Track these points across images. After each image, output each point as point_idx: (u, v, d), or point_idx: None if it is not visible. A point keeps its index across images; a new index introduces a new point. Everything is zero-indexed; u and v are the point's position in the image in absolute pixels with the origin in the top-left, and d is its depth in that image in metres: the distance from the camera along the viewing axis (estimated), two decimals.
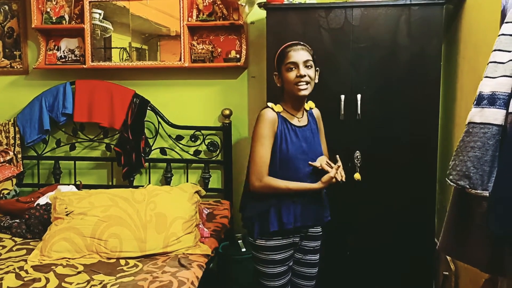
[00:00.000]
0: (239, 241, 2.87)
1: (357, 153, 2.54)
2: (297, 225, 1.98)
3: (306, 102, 2.10)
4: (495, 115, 1.33)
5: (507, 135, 1.30)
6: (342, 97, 2.53)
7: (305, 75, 1.93)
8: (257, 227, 1.99)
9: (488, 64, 1.40)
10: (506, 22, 1.39)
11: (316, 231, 2.12)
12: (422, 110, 2.52)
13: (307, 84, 1.94)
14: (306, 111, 2.11)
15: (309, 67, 1.96)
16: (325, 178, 1.95)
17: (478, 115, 1.37)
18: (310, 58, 1.97)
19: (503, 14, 1.69)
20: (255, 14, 3.00)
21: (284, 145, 1.96)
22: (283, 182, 1.94)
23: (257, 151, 1.95)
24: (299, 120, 2.04)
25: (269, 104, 2.02)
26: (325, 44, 2.55)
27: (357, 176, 2.52)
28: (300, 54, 1.95)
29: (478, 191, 1.35)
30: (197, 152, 3.23)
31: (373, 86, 2.54)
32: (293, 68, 1.94)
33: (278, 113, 2.00)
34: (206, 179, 3.20)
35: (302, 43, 2.00)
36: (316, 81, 2.02)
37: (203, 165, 3.23)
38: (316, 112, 2.16)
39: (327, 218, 2.13)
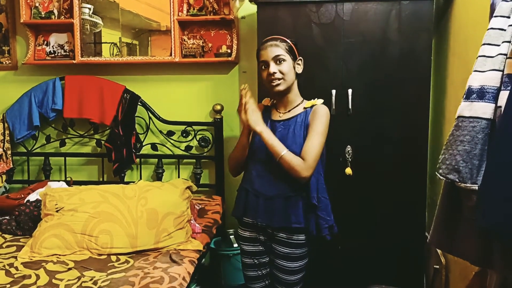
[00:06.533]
0: (231, 237, 2.88)
1: (349, 148, 2.55)
2: (248, 218, 2.03)
3: (310, 100, 2.01)
4: (484, 109, 1.34)
5: (496, 129, 1.30)
6: (333, 92, 2.53)
7: (275, 72, 1.91)
8: None
9: (477, 58, 1.41)
10: (495, 16, 1.40)
11: (288, 237, 1.95)
12: (413, 105, 2.53)
13: (280, 80, 1.93)
14: (306, 108, 1.99)
15: (281, 61, 1.92)
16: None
17: (467, 109, 1.38)
18: (282, 52, 1.92)
19: (492, 8, 1.69)
20: (246, 9, 3.00)
21: (252, 137, 2.04)
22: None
23: None
24: (280, 115, 2.03)
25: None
26: (315, 39, 2.55)
27: (348, 171, 2.53)
28: (268, 52, 1.93)
29: (468, 185, 1.35)
30: (188, 148, 3.22)
31: (364, 81, 2.54)
32: (265, 67, 1.96)
33: (266, 106, 2.11)
34: (197, 175, 3.19)
35: (275, 37, 1.97)
36: (299, 71, 2.00)
37: (194, 160, 3.22)
38: (315, 108, 1.97)
39: (293, 224, 1.92)
